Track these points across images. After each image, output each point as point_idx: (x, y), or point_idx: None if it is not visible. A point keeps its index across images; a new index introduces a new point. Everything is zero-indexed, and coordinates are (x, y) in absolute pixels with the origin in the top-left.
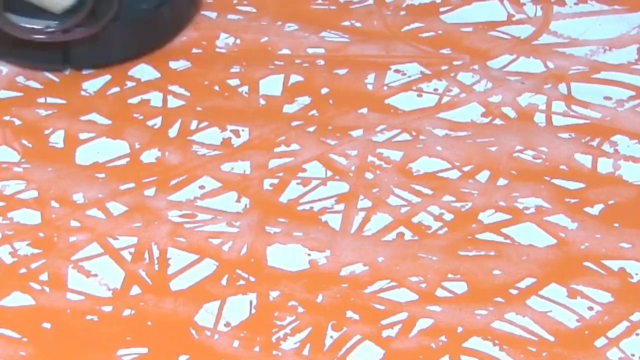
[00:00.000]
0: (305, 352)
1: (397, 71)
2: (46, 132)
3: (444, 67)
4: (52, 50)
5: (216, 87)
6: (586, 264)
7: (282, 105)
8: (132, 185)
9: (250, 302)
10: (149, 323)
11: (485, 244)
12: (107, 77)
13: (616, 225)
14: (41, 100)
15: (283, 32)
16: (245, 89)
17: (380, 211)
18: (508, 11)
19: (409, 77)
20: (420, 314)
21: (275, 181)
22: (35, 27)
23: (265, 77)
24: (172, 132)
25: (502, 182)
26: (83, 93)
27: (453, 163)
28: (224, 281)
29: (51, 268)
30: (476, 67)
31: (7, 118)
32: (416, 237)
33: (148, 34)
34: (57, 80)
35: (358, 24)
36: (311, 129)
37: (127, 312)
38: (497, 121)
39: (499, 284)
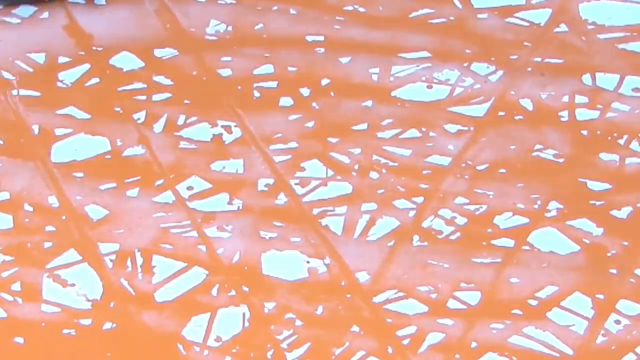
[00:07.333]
0: None
1: (404, 60)
2: (19, 127)
3: (455, 56)
4: None
5: (205, 78)
6: (613, 272)
7: (278, 98)
8: (113, 185)
9: (243, 314)
10: (132, 338)
11: (501, 250)
12: (86, 66)
13: None
14: (14, 92)
15: (280, 17)
16: (237, 80)
17: (386, 214)
18: None
19: (418, 66)
20: (430, 328)
21: (271, 181)
22: None
23: (260, 66)
24: (158, 127)
25: (520, 182)
26: (59, 84)
27: (466, 162)
28: (214, 291)
29: (24, 277)
30: (491, 56)
31: None
32: (426, 243)
33: None
34: (31, 70)
35: (362, 9)
36: (310, 124)
37: (107, 325)
38: (515, 116)
39: (516, 294)
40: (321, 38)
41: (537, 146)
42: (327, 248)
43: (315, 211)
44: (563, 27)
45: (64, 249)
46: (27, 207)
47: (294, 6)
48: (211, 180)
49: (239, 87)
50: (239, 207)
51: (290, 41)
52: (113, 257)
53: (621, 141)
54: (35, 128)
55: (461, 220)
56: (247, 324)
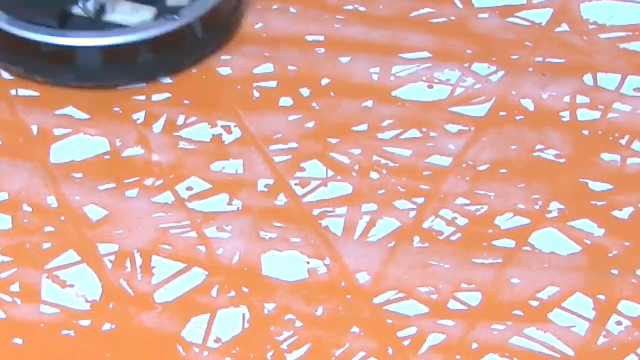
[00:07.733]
0: None
1: (405, 60)
2: (17, 127)
3: (456, 56)
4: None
5: (204, 77)
6: (614, 272)
7: (278, 98)
8: (112, 185)
9: (243, 315)
10: (131, 338)
11: (502, 251)
12: None
13: None
14: (12, 92)
15: (279, 16)
16: (237, 79)
17: (387, 215)
18: None
19: (419, 66)
20: (430, 329)
21: (271, 182)
22: None
23: (259, 65)
24: (157, 127)
25: (521, 183)
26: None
27: (467, 162)
28: (213, 292)
29: (23, 278)
30: (492, 56)
31: None
32: (426, 244)
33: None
34: None
35: (362, 8)
36: (310, 124)
37: (106, 326)
38: (516, 116)
39: (517, 294)
40: (321, 37)
41: (538, 146)
42: (327, 248)
43: (315, 212)
44: (564, 27)
45: (63, 250)
46: (25, 207)
47: (293, 5)
48: (211, 181)
49: (239, 87)
50: (238, 207)
51: (289, 40)
52: (112, 257)
53: (622, 141)
54: (34, 128)
55: (462, 221)
56: (246, 324)
